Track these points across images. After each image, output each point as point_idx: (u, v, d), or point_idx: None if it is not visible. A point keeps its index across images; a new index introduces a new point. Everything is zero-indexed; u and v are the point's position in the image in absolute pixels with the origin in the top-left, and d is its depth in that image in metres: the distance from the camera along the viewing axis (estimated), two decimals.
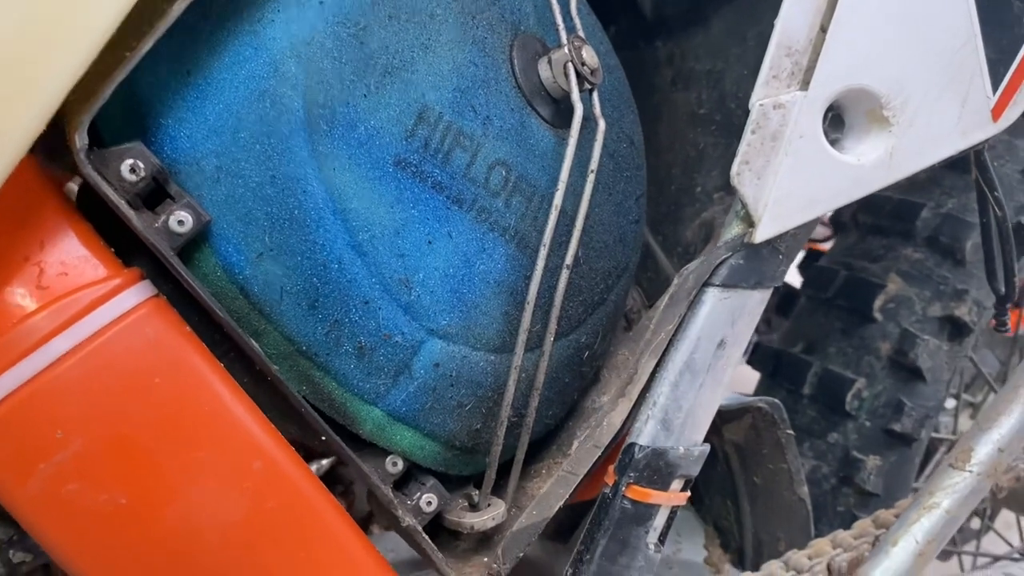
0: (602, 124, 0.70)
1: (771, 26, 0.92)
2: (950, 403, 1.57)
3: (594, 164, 0.70)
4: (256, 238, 0.59)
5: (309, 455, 0.64)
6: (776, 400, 1.05)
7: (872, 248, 1.32)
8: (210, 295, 0.57)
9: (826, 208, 0.74)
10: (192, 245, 0.59)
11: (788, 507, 1.11)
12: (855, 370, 1.26)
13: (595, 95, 0.71)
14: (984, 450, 0.90)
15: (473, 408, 0.68)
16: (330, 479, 0.67)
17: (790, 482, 1.10)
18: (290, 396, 0.60)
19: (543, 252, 0.67)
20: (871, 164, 0.74)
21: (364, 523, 0.90)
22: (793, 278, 1.69)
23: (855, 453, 1.24)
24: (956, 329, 1.22)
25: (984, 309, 1.21)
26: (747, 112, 0.84)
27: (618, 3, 1.02)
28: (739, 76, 0.93)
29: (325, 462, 0.70)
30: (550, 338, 0.69)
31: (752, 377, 1.46)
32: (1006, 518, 1.89)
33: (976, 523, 1.67)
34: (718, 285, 0.74)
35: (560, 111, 0.72)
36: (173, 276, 0.58)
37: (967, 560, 1.67)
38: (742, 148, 0.71)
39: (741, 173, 0.71)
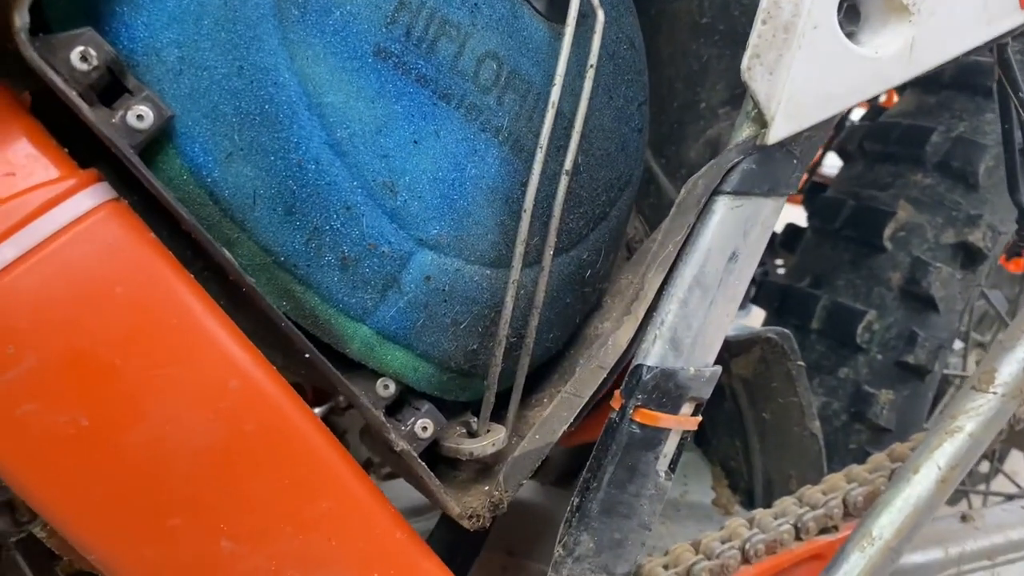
0: (601, 15, 0.65)
1: None
2: (958, 344, 1.52)
3: (593, 59, 0.64)
4: (224, 136, 0.53)
5: None
6: (786, 330, 1.01)
7: (880, 176, 1.27)
8: (176, 200, 0.52)
9: (843, 105, 0.69)
10: (154, 145, 0.53)
11: (799, 443, 1.07)
12: (865, 302, 1.21)
13: None
14: (1008, 370, 0.85)
15: (469, 326, 0.63)
16: None
17: (801, 416, 1.05)
18: (268, 310, 0.55)
19: (539, 155, 0.62)
20: (890, 57, 0.69)
21: None
22: (798, 217, 1.64)
23: (867, 388, 1.19)
24: (970, 256, 1.18)
25: (999, 235, 1.16)
26: (752, 19, 0.78)
27: None
28: None
29: (318, 410, 0.66)
30: (549, 252, 0.64)
31: (757, 317, 1.42)
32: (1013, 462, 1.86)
33: (985, 466, 1.64)
34: (729, 192, 0.69)
35: (555, 2, 0.66)
36: (136, 182, 0.52)
37: (977, 501, 1.64)
38: (752, 40, 0.66)
39: (752, 68, 0.66)
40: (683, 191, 0.70)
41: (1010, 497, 1.46)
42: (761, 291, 1.37)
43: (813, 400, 1.07)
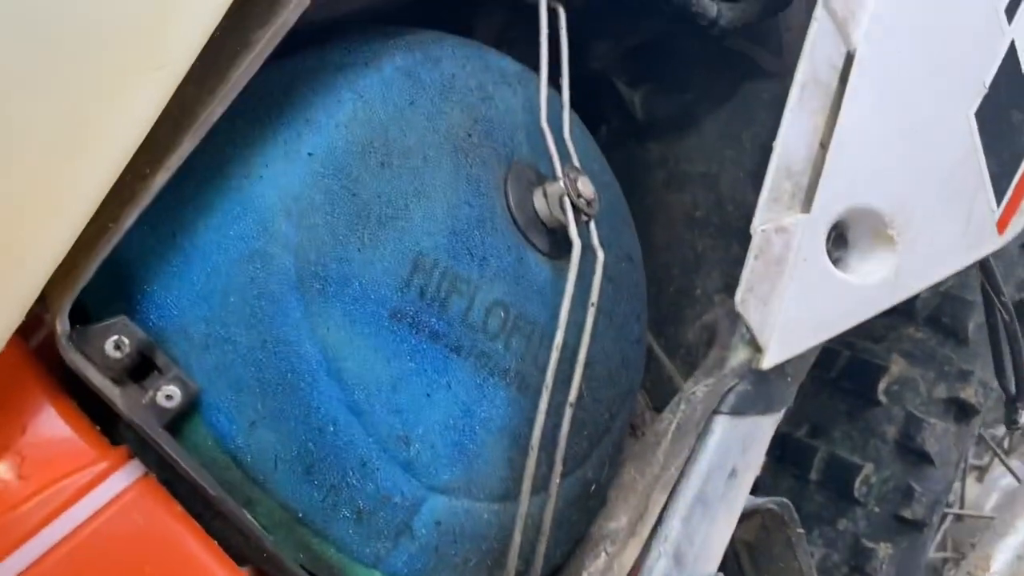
0: (601, 255, 0.69)
1: (766, 128, 0.91)
2: None
3: (594, 297, 0.68)
4: (248, 405, 0.56)
5: None
6: (786, 500, 1.02)
7: (874, 327, 1.30)
8: (201, 469, 0.55)
9: (833, 331, 0.73)
10: (181, 416, 0.56)
11: None
12: (862, 455, 1.23)
13: (592, 225, 0.70)
14: (1003, 557, 0.87)
15: (478, 563, 0.65)
16: None
17: None
18: (288, 569, 0.57)
19: (545, 395, 0.65)
20: (877, 284, 0.72)
21: None
22: None
23: (865, 541, 1.21)
24: (962, 411, 1.20)
25: (991, 390, 1.19)
26: (745, 215, 0.82)
27: (609, 103, 1.01)
28: (735, 178, 0.92)
29: None
30: (556, 480, 0.67)
31: None
32: None
33: None
34: (727, 413, 0.72)
35: (556, 241, 0.70)
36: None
37: None
38: (745, 275, 0.69)
39: (746, 300, 0.69)
40: (681, 409, 0.73)
41: None
42: None
43: (813, 553, 1.08)
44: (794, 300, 0.70)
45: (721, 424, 0.71)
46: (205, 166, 0.57)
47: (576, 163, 0.71)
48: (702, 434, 0.71)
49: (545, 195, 0.69)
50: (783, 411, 0.74)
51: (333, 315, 0.58)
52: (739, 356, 0.72)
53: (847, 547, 1.22)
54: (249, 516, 0.56)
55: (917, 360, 1.23)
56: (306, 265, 0.57)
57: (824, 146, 0.71)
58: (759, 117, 0.90)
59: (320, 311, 0.57)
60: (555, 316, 0.66)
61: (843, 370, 1.29)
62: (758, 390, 0.72)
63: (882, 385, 1.23)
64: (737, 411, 0.72)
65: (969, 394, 1.19)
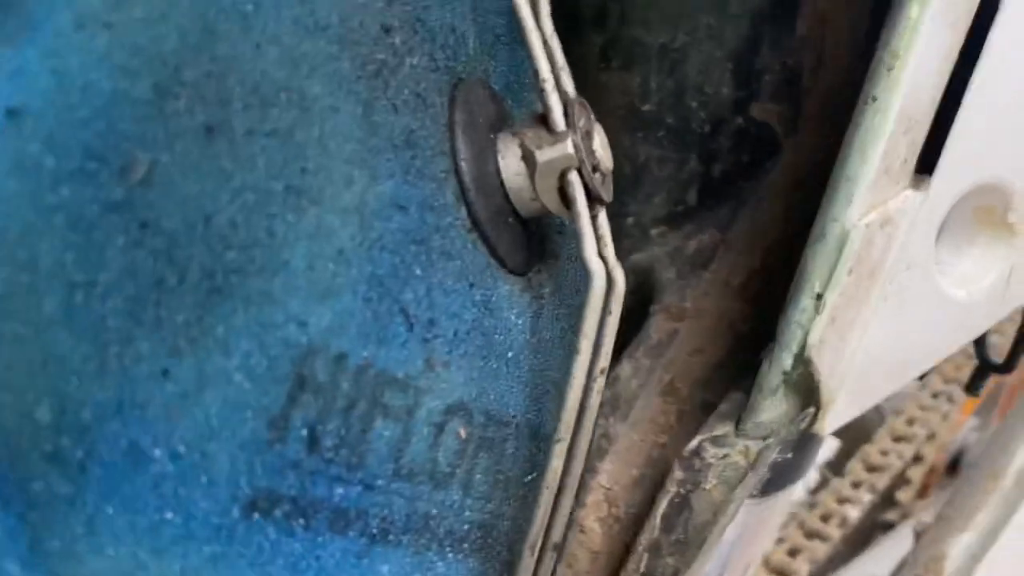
0: (620, 282, 0.37)
1: None
2: None
3: (604, 361, 0.37)
4: None
5: None
6: None
7: None
8: None
9: (915, 372, 0.48)
10: None
11: None
12: None
13: (601, 218, 0.37)
14: (955, 552, 0.73)
15: None
16: None
17: None
18: None
19: (529, 559, 0.35)
20: (983, 294, 0.47)
21: None
22: None
23: None
24: None
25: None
26: (713, 116, 0.57)
27: None
28: (708, 59, 0.61)
29: None
30: None
31: None
32: None
33: None
34: (751, 496, 0.46)
35: (531, 240, 0.37)
36: None
37: None
38: (831, 300, 0.42)
39: (826, 340, 0.42)
40: (678, 484, 0.46)
41: None
42: None
43: None
44: (884, 331, 0.44)
45: (741, 511, 0.46)
46: None
47: (571, 87, 0.37)
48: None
49: (525, 155, 0.34)
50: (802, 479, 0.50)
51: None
52: (777, 407, 0.45)
53: None
54: None
55: None
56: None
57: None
58: None
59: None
60: (538, 399, 0.35)
61: None
62: (796, 459, 0.46)
63: None
64: (765, 491, 0.46)
65: None
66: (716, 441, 0.47)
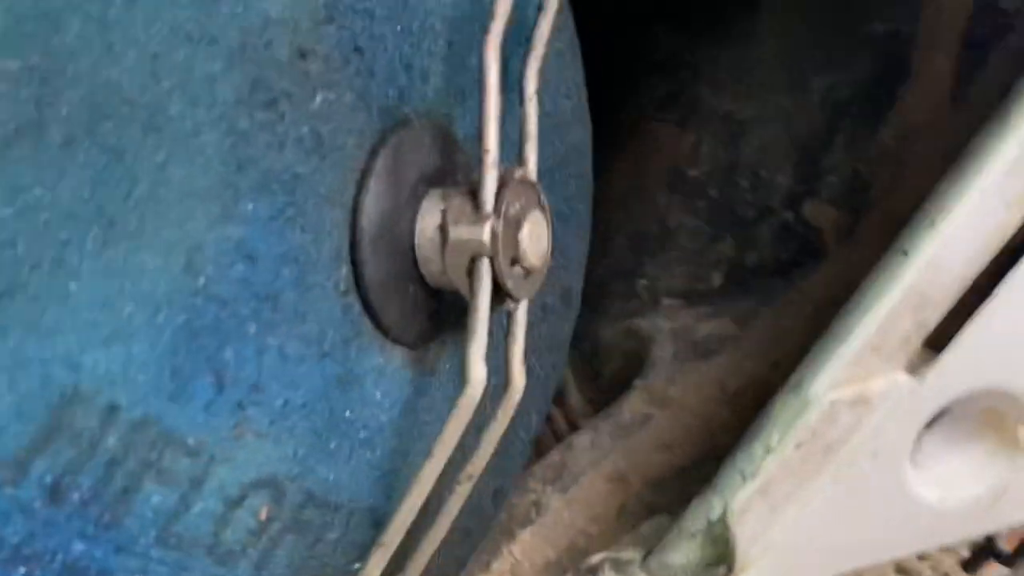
0: (518, 386, 0.33)
1: (855, 78, 0.55)
2: None
3: (475, 468, 0.33)
4: None
5: None
6: None
7: None
8: None
9: (866, 563, 0.42)
10: None
11: None
12: None
13: (519, 314, 0.33)
14: None
15: None
16: None
17: None
18: None
19: None
20: (958, 507, 0.41)
21: None
22: None
23: None
24: None
25: None
26: (759, 203, 0.52)
27: None
28: (773, 142, 0.55)
29: None
30: None
31: None
32: None
33: None
34: None
35: (443, 306, 0.33)
36: None
37: None
38: (767, 469, 0.36)
39: (750, 506, 0.37)
40: None
41: None
42: None
43: None
44: (827, 515, 0.38)
45: None
46: None
47: (532, 145, 0.32)
48: None
49: (443, 224, 0.30)
50: None
51: None
52: (689, 554, 0.40)
53: None
54: None
55: None
56: None
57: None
58: (851, 62, 0.52)
59: None
60: (391, 486, 0.31)
61: None
62: None
63: None
64: None
65: None
66: (617, 566, 0.42)
